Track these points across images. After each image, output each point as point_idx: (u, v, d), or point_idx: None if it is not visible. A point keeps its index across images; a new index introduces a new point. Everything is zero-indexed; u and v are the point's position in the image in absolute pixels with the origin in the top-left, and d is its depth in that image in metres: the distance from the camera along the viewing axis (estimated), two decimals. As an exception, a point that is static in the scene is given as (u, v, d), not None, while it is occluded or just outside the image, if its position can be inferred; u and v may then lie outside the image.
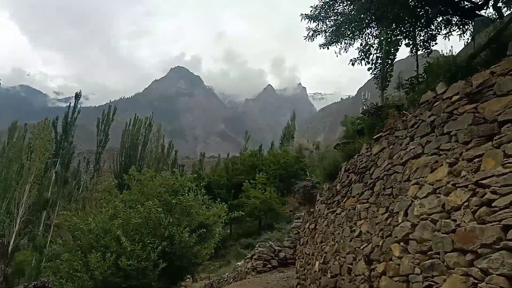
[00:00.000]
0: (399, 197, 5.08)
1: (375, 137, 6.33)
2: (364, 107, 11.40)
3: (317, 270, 7.87)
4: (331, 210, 7.73)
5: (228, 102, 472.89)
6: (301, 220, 13.59)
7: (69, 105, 40.14)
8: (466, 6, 7.85)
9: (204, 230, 11.49)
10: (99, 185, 18.06)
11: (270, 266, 14.58)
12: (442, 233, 4.09)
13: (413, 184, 4.82)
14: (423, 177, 4.64)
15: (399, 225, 4.90)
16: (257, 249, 15.30)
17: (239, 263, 16.74)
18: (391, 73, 9.81)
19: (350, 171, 7.12)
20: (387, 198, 5.42)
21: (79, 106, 40.92)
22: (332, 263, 7.18)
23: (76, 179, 43.33)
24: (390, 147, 5.71)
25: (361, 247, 5.99)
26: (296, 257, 10.93)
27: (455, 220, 3.97)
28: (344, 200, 7.12)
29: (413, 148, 4.99)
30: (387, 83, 8.85)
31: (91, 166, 51.60)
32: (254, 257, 14.92)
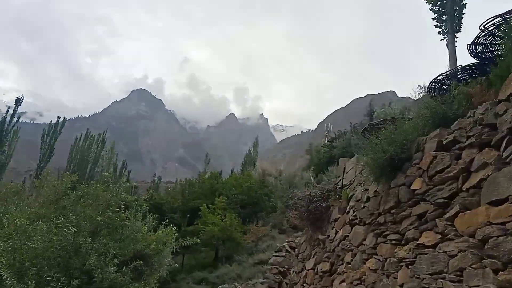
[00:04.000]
0: None
1: None
2: (327, 139, 8.66)
3: None
4: (391, 236, 4.46)
5: (189, 127, 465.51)
6: (283, 254, 10.27)
7: (7, 110, 35.29)
8: None
9: (141, 262, 8.08)
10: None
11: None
12: None
13: None
14: None
15: None
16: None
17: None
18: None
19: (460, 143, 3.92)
20: None
21: (17, 117, 36.10)
22: None
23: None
24: None
25: None
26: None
27: None
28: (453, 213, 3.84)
29: None
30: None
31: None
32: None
